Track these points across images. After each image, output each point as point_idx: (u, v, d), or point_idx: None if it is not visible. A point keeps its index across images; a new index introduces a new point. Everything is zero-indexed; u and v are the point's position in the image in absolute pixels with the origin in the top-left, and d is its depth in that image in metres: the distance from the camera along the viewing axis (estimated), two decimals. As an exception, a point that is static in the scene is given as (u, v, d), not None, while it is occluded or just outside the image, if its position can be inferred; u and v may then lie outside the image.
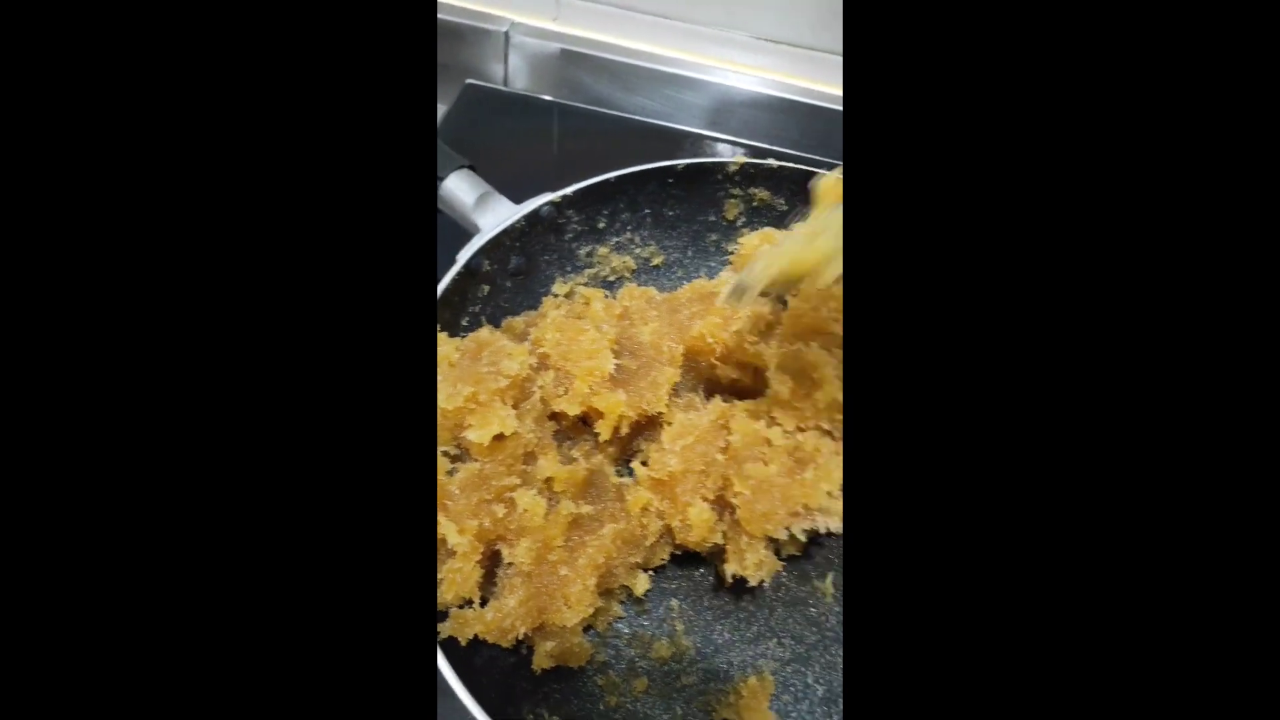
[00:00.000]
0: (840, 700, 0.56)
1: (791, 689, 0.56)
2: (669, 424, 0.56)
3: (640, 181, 0.70)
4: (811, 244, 0.43)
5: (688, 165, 0.71)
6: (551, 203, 0.66)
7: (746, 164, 0.71)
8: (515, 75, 0.99)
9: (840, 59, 0.93)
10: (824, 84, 0.95)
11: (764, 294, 0.46)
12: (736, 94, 0.96)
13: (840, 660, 0.57)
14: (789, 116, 0.95)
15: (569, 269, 0.70)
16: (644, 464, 0.56)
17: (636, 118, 0.95)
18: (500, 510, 0.50)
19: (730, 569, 0.53)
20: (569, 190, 0.67)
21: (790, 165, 0.72)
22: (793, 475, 0.52)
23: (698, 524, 0.52)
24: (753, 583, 0.53)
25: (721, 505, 0.54)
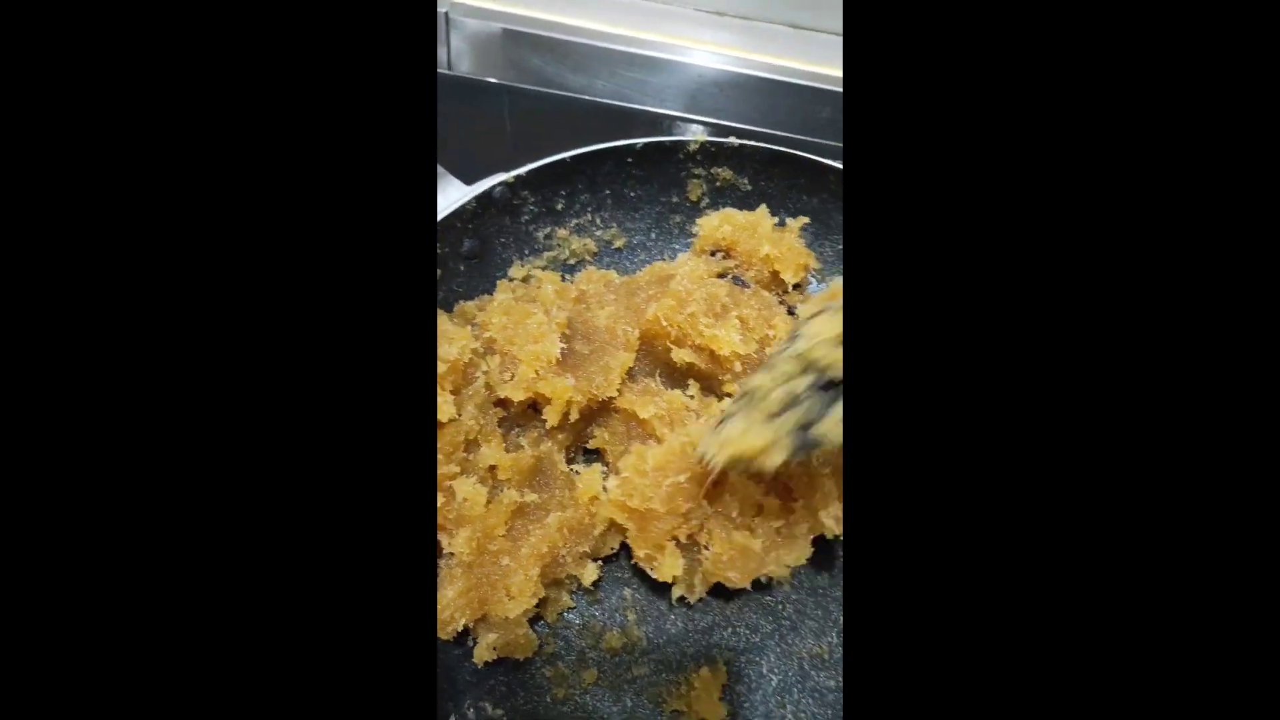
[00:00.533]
0: (794, 691, 0.55)
1: (745, 679, 0.55)
2: (656, 438, 0.55)
3: (598, 161, 0.68)
4: (760, 431, 0.45)
5: (647, 144, 0.69)
6: (504, 183, 0.65)
7: (707, 143, 0.69)
8: (458, 58, 0.95)
9: (796, 31, 0.90)
10: (782, 58, 0.92)
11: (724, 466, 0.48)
12: (690, 70, 0.93)
13: (795, 649, 0.56)
14: (746, 92, 0.92)
15: (526, 252, 0.68)
16: (610, 471, 0.55)
17: (586, 98, 0.91)
18: (439, 499, 0.48)
19: (677, 591, 0.54)
20: (523, 170, 0.65)
21: (752, 144, 0.70)
22: (771, 548, 0.51)
23: (667, 567, 0.51)
24: (692, 600, 0.54)
25: (691, 544, 0.53)
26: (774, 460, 0.44)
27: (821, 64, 0.89)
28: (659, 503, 0.50)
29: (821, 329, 0.47)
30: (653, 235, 0.73)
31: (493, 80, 0.91)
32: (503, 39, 0.92)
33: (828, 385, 0.45)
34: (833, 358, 0.45)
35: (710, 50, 0.92)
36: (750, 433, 0.45)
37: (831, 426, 0.43)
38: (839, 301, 0.49)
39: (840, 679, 0.55)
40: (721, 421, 0.48)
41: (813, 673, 0.55)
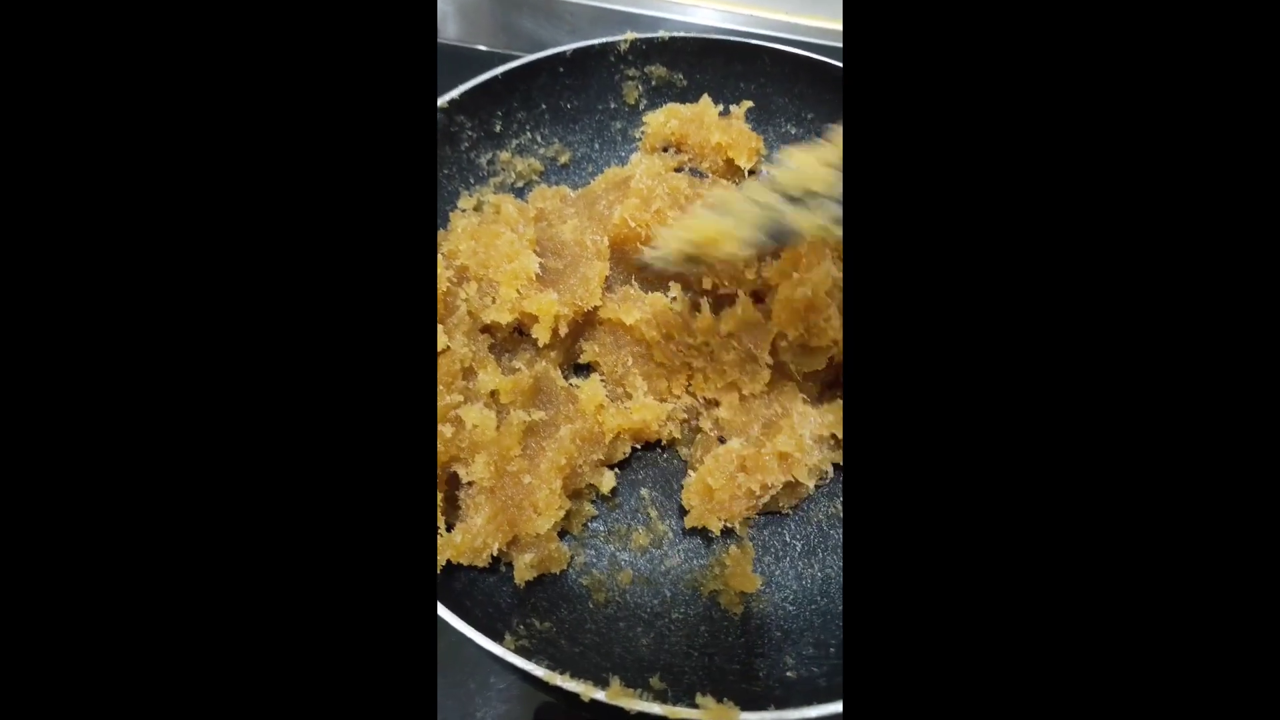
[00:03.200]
0: (818, 551, 0.57)
1: (772, 550, 0.57)
2: (647, 343, 0.56)
3: (530, 75, 0.66)
4: (713, 216, 0.41)
5: (576, 50, 0.67)
6: (440, 109, 0.62)
7: (637, 40, 0.68)
8: (444, 22, 0.87)
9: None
10: (787, 13, 0.85)
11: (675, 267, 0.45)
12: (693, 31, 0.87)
13: (811, 514, 0.58)
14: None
15: (472, 180, 0.66)
16: (606, 381, 0.56)
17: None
18: (448, 430, 0.48)
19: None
20: (455, 94, 0.62)
21: (682, 35, 0.68)
22: None
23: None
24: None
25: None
26: (733, 248, 0.39)
27: (834, 19, 0.84)
28: (742, 506, 0.53)
29: (801, 161, 0.41)
30: (596, 145, 0.72)
31: (482, 48, 0.84)
32: (493, 2, 0.84)
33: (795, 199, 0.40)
34: (807, 181, 0.40)
35: (715, 9, 0.86)
36: (707, 222, 0.40)
37: (802, 219, 0.38)
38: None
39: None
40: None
41: (831, 531, 0.58)
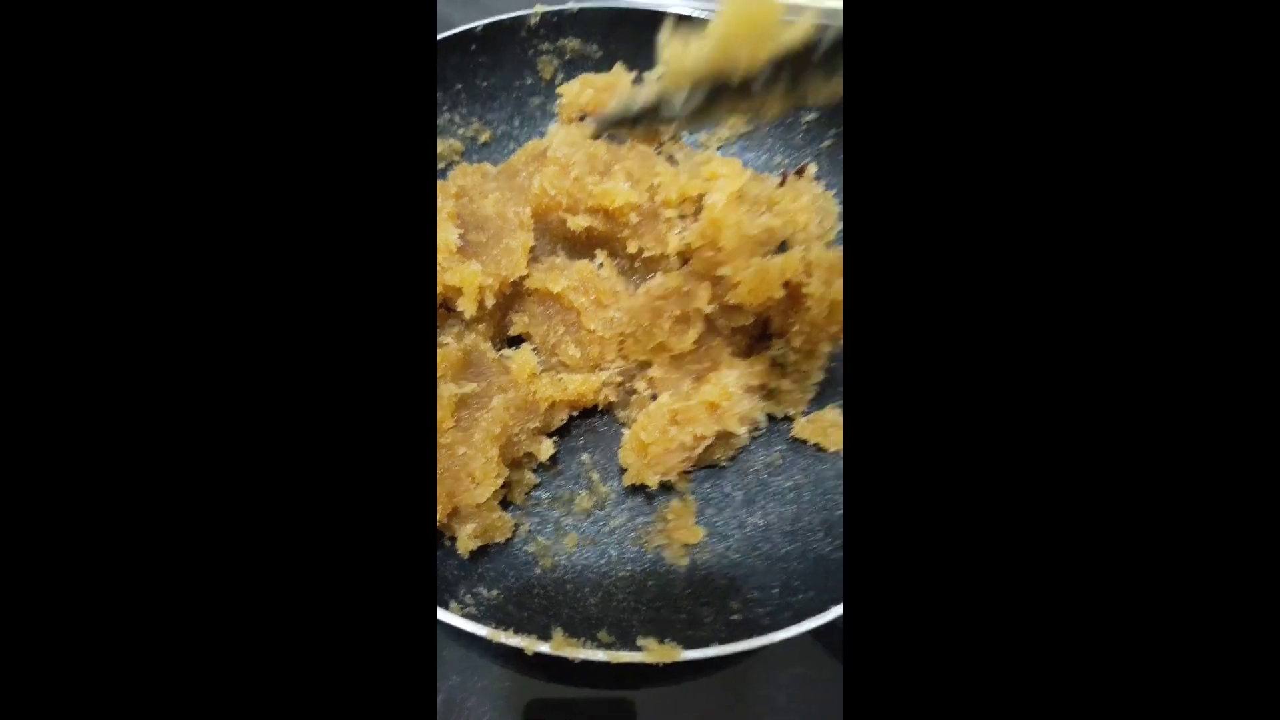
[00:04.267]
0: (759, 499, 0.59)
1: (713, 502, 0.58)
2: (575, 310, 0.56)
3: (441, 54, 0.66)
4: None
5: (486, 26, 0.67)
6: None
7: (548, 13, 0.68)
8: None
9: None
10: None
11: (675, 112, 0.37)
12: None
13: (749, 465, 0.59)
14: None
15: (391, 163, 0.65)
16: (539, 350, 0.57)
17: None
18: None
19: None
20: (365, 75, 0.62)
21: (592, 6, 0.69)
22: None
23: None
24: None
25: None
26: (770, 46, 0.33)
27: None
28: (676, 459, 0.53)
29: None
30: (516, 123, 0.72)
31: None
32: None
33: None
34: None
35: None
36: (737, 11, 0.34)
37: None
38: None
39: (795, 479, 0.59)
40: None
41: (771, 480, 0.59)
